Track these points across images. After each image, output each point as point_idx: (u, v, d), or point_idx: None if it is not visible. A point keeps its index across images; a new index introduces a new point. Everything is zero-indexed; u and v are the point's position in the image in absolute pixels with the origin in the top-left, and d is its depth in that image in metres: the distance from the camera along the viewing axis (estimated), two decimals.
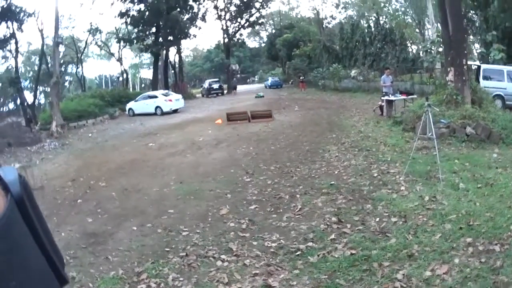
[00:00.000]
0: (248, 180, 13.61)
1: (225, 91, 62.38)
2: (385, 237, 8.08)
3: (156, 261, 8.83)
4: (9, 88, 43.84)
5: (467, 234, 7.65)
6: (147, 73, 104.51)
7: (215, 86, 61.62)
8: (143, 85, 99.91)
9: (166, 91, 46.99)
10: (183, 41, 67.22)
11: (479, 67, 26.08)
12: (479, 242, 7.26)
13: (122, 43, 66.69)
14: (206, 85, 64.48)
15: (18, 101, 45.30)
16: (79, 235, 11.05)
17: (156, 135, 26.60)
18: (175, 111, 40.16)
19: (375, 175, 12.20)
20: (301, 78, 54.49)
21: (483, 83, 24.03)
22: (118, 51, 75.58)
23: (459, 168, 12.08)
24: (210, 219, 10.64)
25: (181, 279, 7.96)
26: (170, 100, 40.63)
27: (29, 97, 44.94)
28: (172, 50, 68.12)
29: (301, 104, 34.47)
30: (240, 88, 69.66)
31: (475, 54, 39.67)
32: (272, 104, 34.28)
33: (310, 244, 8.33)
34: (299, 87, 52.72)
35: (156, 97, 41.19)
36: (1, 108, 47.32)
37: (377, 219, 9.01)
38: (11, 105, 51.05)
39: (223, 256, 8.53)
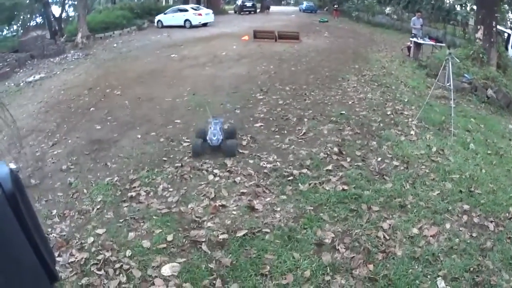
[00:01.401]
0: (261, 97, 13.55)
1: (258, 10, 61.80)
2: (382, 180, 7.93)
3: (151, 170, 9.02)
4: (36, 2, 43.54)
5: (466, 200, 7.42)
6: None
7: (248, 4, 60.59)
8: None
9: (197, 5, 46.62)
10: None
11: (509, 35, 25.40)
12: (475, 213, 7.01)
13: None
14: (239, 2, 63.08)
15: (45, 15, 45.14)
16: (85, 142, 11.31)
17: (181, 47, 26.32)
18: (204, 25, 39.63)
19: (388, 113, 11.95)
20: (335, 6, 53.56)
21: (511, 52, 23.50)
22: None
23: (473, 128, 11.82)
24: None
25: (170, 189, 8.12)
26: (200, 14, 40.05)
27: (57, 10, 44.68)
28: None
29: (331, 31, 33.82)
30: (273, 8, 68.88)
31: (509, 23, 38.68)
32: (303, 27, 33.79)
33: (304, 171, 8.30)
34: (332, 15, 51.96)
35: (186, 10, 40.70)
36: (29, 23, 47.00)
37: (379, 159, 8.85)
38: (39, 19, 50.75)
39: (216, 171, 8.62)
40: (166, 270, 5.84)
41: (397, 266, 5.49)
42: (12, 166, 10.76)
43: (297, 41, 25.84)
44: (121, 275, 6.07)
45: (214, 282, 5.45)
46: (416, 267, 5.50)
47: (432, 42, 22.89)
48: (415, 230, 6.30)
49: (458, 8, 38.45)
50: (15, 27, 42.64)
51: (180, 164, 9.09)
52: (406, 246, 5.92)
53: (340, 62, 19.68)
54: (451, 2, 42.59)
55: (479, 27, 19.66)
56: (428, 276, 5.35)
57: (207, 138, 9.39)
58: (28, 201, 0.66)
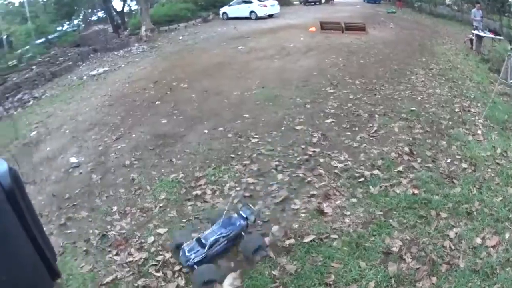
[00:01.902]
0: (331, 91, 13.14)
1: (323, 1, 61.59)
2: (451, 184, 7.60)
3: (218, 167, 8.82)
4: None
5: None
6: None
7: None
8: None
9: None
10: None
11: None
12: None
13: None
14: None
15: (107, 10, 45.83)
16: (149, 136, 11.22)
17: (247, 38, 26.15)
18: (270, 16, 39.42)
19: (456, 110, 11.53)
20: None
21: None
22: None
23: None
24: (283, 128, 10.43)
25: (237, 188, 7.88)
26: (265, 6, 39.65)
27: (118, 5, 45.36)
28: None
29: (396, 22, 33.31)
30: None
31: None
32: (368, 18, 33.41)
33: (376, 172, 7.99)
34: (396, 5, 51.37)
35: (251, 2, 40.37)
36: (90, 18, 47.89)
37: (448, 160, 8.50)
38: (101, 14, 51.70)
39: (286, 170, 8.32)
40: (229, 280, 5.69)
41: (459, 279, 5.26)
42: (74, 160, 10.80)
43: (364, 33, 25.38)
44: (179, 278, 5.99)
45: None
46: (476, 280, 5.26)
47: (492, 35, 22.22)
48: (478, 240, 6.02)
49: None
50: (75, 21, 43.34)
51: (249, 162, 8.88)
52: (469, 258, 5.66)
53: (407, 55, 19.22)
54: None
55: None
56: None
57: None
58: (27, 198, 0.71)
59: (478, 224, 6.38)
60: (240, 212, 6.45)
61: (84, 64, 27.98)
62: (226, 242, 6.11)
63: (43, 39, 35.88)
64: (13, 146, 14.42)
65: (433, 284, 5.17)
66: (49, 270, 0.60)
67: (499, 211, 6.76)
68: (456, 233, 6.12)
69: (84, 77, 23.40)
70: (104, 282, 6.40)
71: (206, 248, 5.92)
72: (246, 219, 6.25)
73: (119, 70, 22.95)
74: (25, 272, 0.52)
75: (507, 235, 6.15)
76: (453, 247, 5.83)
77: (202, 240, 6.05)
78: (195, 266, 5.83)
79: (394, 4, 53.17)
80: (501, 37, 22.87)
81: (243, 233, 6.26)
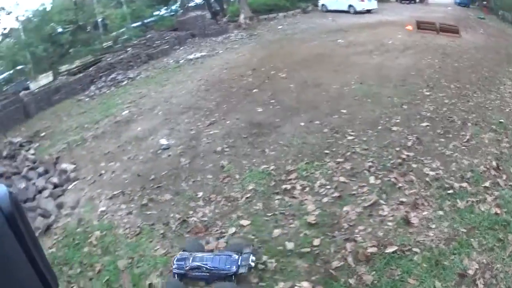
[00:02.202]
0: (427, 94, 12.84)
1: (418, 0, 60.72)
2: None
3: (311, 162, 8.74)
4: None
5: None
6: None
7: None
8: None
9: None
10: None
11: None
12: None
13: None
14: None
15: None
16: (244, 124, 11.27)
17: (346, 32, 25.78)
18: (368, 11, 38.70)
19: None
20: (484, 2, 51.58)
21: None
22: None
23: None
24: (379, 127, 10.29)
25: (328, 187, 7.81)
26: (363, 0, 38.91)
27: None
28: None
29: (485, 28, 32.28)
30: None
31: None
32: (460, 21, 32.47)
33: (464, 185, 7.73)
34: (482, 11, 50.06)
35: None
36: (187, 4, 48.46)
37: None
38: (199, 0, 52.21)
39: (379, 172, 8.19)
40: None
41: None
42: (164, 142, 10.92)
43: (457, 36, 24.74)
44: (253, 275, 6.04)
45: None
46: None
47: None
48: None
49: None
50: (173, 7, 43.88)
51: (342, 159, 8.76)
52: None
53: (495, 63, 18.67)
54: None
55: None
56: None
57: None
58: (27, 221, 0.61)
59: None
60: (240, 257, 6.21)
61: (181, 48, 28.34)
62: (207, 274, 6.15)
63: (139, 23, 36.65)
64: (103, 123, 14.74)
65: None
66: None
67: None
68: None
69: (181, 61, 23.68)
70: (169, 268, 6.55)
71: (188, 268, 6.14)
72: (238, 266, 6.05)
73: (216, 56, 23.10)
74: None
75: None
76: None
77: (191, 259, 6.23)
78: (175, 276, 6.27)
79: (481, 9, 51.95)
80: None
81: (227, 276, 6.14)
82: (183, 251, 6.65)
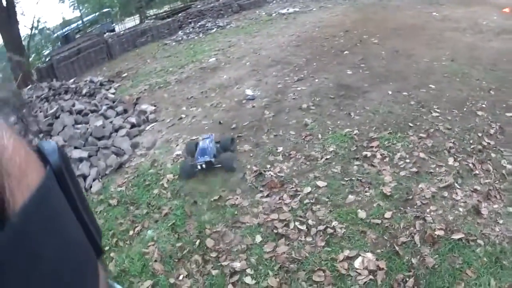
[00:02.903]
0: None
1: None
2: None
3: (394, 133, 8.78)
4: None
5: None
6: None
7: None
8: None
9: None
10: None
11: None
12: None
13: None
14: None
15: None
16: (332, 84, 11.40)
17: (442, 6, 25.03)
18: None
19: None
20: None
21: None
22: None
23: None
24: (465, 109, 10.09)
25: (407, 160, 7.84)
26: None
27: None
28: None
29: None
30: None
31: None
32: None
33: None
34: None
35: None
36: None
37: None
38: None
39: (458, 155, 8.09)
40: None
41: None
42: (249, 92, 11.09)
43: None
44: (321, 238, 6.15)
45: (407, 279, 5.33)
46: None
47: None
48: None
49: None
50: None
51: (425, 135, 8.73)
52: None
53: None
54: None
55: None
56: None
57: (195, 158, 8.47)
58: (75, 177, 0.63)
59: None
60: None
61: (274, 1, 28.48)
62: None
63: None
64: (188, 68, 14.99)
65: None
66: (94, 247, 0.67)
67: None
68: None
69: (273, 14, 23.91)
70: (243, 221, 6.80)
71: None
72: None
73: (309, 13, 23.16)
74: (70, 249, 0.58)
75: None
76: None
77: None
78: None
79: None
80: None
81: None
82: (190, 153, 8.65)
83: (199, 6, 27.96)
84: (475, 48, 15.71)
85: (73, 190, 0.60)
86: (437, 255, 5.64)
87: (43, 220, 0.51)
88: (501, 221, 6.43)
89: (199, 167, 8.32)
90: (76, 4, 32.89)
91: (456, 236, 5.96)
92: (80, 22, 32.36)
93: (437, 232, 6.03)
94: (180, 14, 26.71)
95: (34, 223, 0.48)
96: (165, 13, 28.97)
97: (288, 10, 24.34)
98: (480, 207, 6.66)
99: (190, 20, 25.81)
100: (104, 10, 31.08)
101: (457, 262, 5.53)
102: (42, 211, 0.51)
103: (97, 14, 31.57)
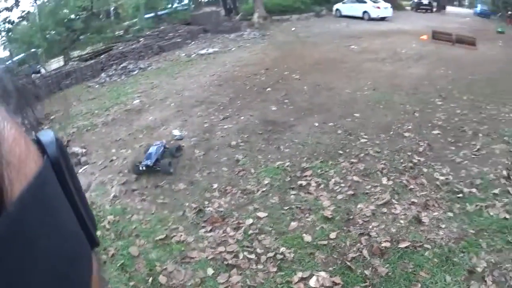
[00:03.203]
0: (439, 103, 13.18)
1: (435, 9, 60.53)
2: None
3: (325, 161, 9.05)
4: None
5: None
6: None
7: (425, 1, 59.46)
8: None
9: None
10: None
11: None
12: None
13: None
14: None
15: None
16: (258, 121, 11.58)
17: (360, 38, 26.18)
18: (382, 19, 38.97)
19: None
20: (509, 13, 51.16)
21: None
22: None
23: None
24: (391, 132, 10.65)
25: (342, 185, 8.11)
26: (378, 8, 39.47)
27: None
28: None
29: (505, 40, 32.29)
30: (448, 9, 67.20)
31: None
32: (477, 33, 32.47)
33: (473, 190, 8.00)
34: (506, 22, 49.66)
35: (364, 2, 39.95)
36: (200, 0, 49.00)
37: None
38: None
39: (391, 174, 8.52)
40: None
41: None
42: (177, 133, 11.23)
43: (474, 48, 24.88)
44: (272, 264, 6.24)
45: None
46: None
47: None
48: None
49: None
50: (186, 1, 44.21)
51: (356, 160, 9.09)
52: None
53: None
54: None
55: None
56: None
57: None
58: (72, 168, 0.65)
59: None
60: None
61: (193, 42, 28.73)
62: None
63: (152, 14, 37.20)
64: (113, 110, 15.01)
65: None
66: (89, 238, 0.65)
67: None
68: None
69: (193, 55, 24.04)
70: (191, 256, 6.79)
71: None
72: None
73: (229, 53, 23.46)
74: (65, 239, 0.56)
75: None
76: None
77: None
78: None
79: (504, 20, 51.57)
80: None
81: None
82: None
83: (120, 47, 27.96)
84: (396, 75, 16.54)
85: (70, 181, 0.63)
86: (388, 264, 5.86)
87: (39, 209, 0.53)
88: (443, 226, 6.83)
89: (141, 168, 9.57)
90: (6, 43, 32.60)
91: (403, 245, 6.25)
92: (10, 61, 32.01)
93: (383, 244, 6.29)
94: (102, 56, 26.67)
95: (30, 212, 0.51)
96: (87, 55, 28.78)
97: (207, 50, 24.58)
98: (421, 216, 7.04)
99: (112, 62, 25.77)
100: (31, 51, 30.79)
101: (409, 267, 5.79)
102: (39, 201, 0.53)
103: (25, 54, 31.24)
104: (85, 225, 0.65)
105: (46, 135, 0.61)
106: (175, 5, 42.28)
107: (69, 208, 0.61)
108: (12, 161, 0.50)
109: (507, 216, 7.16)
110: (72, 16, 32.81)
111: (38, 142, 0.60)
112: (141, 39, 29.84)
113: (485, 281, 5.64)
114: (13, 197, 0.47)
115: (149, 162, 9.60)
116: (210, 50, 24.62)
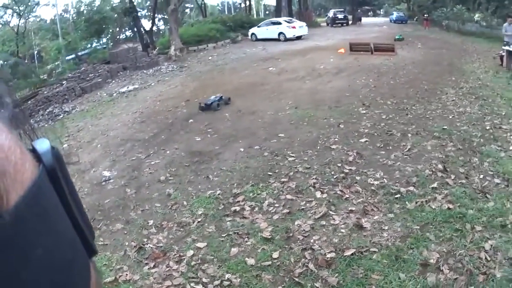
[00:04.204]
0: (363, 112, 13.44)
1: (350, 22, 61.85)
2: (485, 198, 7.66)
3: (256, 185, 8.97)
4: (125, 17, 45.48)
5: None
6: (271, 0, 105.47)
7: (340, 16, 60.92)
8: (267, 12, 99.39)
9: (290, 18, 47.03)
10: None
11: None
12: None
13: None
14: (331, 14, 63.69)
15: (135, 29, 47.13)
16: (184, 153, 11.49)
17: (278, 60, 26.57)
18: (299, 38, 39.87)
19: (487, 127, 11.54)
20: (425, 16, 52.76)
21: None
22: None
23: None
24: (318, 147, 10.68)
25: (276, 205, 8.04)
26: (294, 27, 40.37)
27: (147, 24, 46.83)
28: None
29: (424, 42, 33.39)
30: (364, 20, 68.85)
31: None
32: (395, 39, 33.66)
33: (411, 188, 8.12)
34: (423, 25, 51.25)
35: (279, 23, 41.10)
36: (118, 36, 49.22)
37: (481, 176, 8.53)
38: (128, 33, 52.99)
39: (324, 187, 8.50)
40: None
41: None
42: (107, 174, 11.08)
43: (393, 54, 25.72)
44: None
45: None
46: None
47: None
48: None
49: None
50: (104, 39, 44.37)
51: (286, 179, 9.06)
52: (505, 268, 5.73)
53: (436, 75, 19.42)
54: None
55: None
56: None
57: None
58: (68, 177, 0.63)
59: None
60: None
61: (113, 81, 28.82)
62: None
63: (73, 56, 37.34)
64: None
65: None
66: (87, 247, 0.65)
67: None
68: (491, 245, 6.20)
69: (114, 94, 24.10)
70: None
71: None
72: None
73: (149, 88, 23.54)
74: (62, 248, 0.56)
75: None
76: (488, 258, 5.92)
77: None
78: None
79: (421, 23, 53.26)
80: None
81: None
82: None
83: (45, 92, 27.90)
84: (316, 91, 16.79)
85: (66, 190, 0.60)
86: (337, 274, 5.79)
87: (35, 218, 0.51)
88: (386, 227, 6.85)
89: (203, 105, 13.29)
90: None
91: (348, 253, 6.20)
92: None
93: (328, 255, 6.22)
94: (29, 102, 26.46)
95: (26, 221, 0.49)
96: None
97: (128, 88, 24.55)
98: (361, 222, 7.03)
99: (39, 108, 25.59)
100: None
101: (359, 273, 5.73)
102: (35, 210, 0.51)
103: None
104: (82, 234, 0.63)
105: (42, 144, 0.61)
106: (94, 44, 42.34)
107: (66, 216, 0.59)
108: (7, 170, 0.49)
109: (451, 206, 7.26)
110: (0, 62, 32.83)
111: (33, 151, 0.59)
112: (64, 82, 29.91)
113: (441, 270, 5.68)
114: (9, 206, 0.46)
115: (208, 102, 15.34)
116: (131, 87, 24.67)
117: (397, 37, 35.09)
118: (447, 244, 6.26)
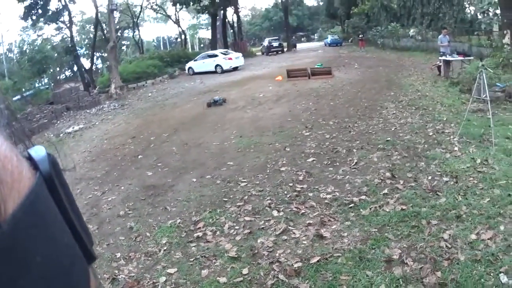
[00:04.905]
0: (307, 134, 13.83)
1: (285, 49, 62.26)
2: (436, 196, 8.11)
3: (214, 211, 9.19)
4: (65, 56, 45.18)
5: None
6: (205, 33, 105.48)
7: (275, 44, 61.51)
8: (202, 45, 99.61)
9: (226, 50, 47.31)
10: (240, 0, 66.91)
11: None
12: None
13: (178, 5, 66.14)
14: (266, 43, 64.41)
15: (75, 68, 46.76)
16: (138, 188, 11.57)
17: (217, 92, 26.87)
18: (235, 69, 40.38)
19: (430, 134, 12.11)
20: (360, 36, 53.39)
21: None
22: (175, 13, 75.52)
23: None
24: (268, 171, 10.99)
25: (236, 227, 8.29)
26: (230, 59, 40.77)
27: (86, 63, 46.62)
28: (230, 10, 68.19)
29: (360, 62, 34.15)
30: (299, 46, 69.48)
31: None
32: (332, 62, 34.20)
33: (363, 197, 8.51)
34: (358, 46, 51.94)
35: (215, 56, 41.48)
36: (59, 76, 48.78)
37: (429, 177, 9.00)
38: (68, 73, 52.56)
39: (279, 206, 8.81)
40: None
41: (462, 269, 5.72)
42: None
43: (330, 76, 26.38)
44: None
45: None
46: (479, 268, 5.71)
47: (460, 58, 22.68)
48: (473, 236, 6.50)
49: (480, 16, 38.04)
50: (46, 80, 43.95)
51: (242, 203, 9.34)
52: (467, 251, 6.13)
53: (375, 92, 20.11)
54: (473, 12, 42.27)
55: (505, 31, 19.94)
56: (491, 274, 5.57)
57: None
58: (66, 184, 0.65)
59: (469, 224, 6.88)
60: None
61: (58, 121, 28.58)
62: None
63: (19, 96, 36.57)
64: None
65: (438, 277, 5.65)
66: (85, 253, 0.67)
67: (488, 210, 7.25)
68: (449, 235, 6.62)
69: (61, 134, 23.91)
70: None
71: None
72: None
73: (94, 128, 23.48)
74: (60, 256, 0.58)
75: (502, 228, 6.65)
76: (449, 246, 6.32)
77: None
78: None
79: (356, 44, 54.06)
80: (471, 57, 23.11)
81: None
82: None
83: None
84: (259, 119, 17.28)
85: (64, 197, 0.63)
86: (307, 280, 6.07)
87: (33, 226, 0.54)
88: (345, 234, 7.22)
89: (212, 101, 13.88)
90: None
91: (314, 260, 6.50)
92: None
93: (295, 265, 6.50)
94: None
95: (24, 229, 0.51)
96: None
97: (73, 128, 24.36)
98: (321, 232, 7.39)
99: None
100: None
101: (328, 276, 6.04)
102: (32, 218, 0.54)
103: None
104: (81, 240, 0.65)
105: (38, 151, 0.62)
106: (37, 85, 41.83)
107: (64, 223, 0.61)
108: (4, 179, 0.51)
109: (404, 207, 7.71)
110: None
111: (30, 158, 0.60)
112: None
113: (406, 263, 6.05)
114: (6, 215, 0.48)
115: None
116: (76, 128, 24.60)
117: (316, 66, 35.45)
118: (407, 240, 6.66)
